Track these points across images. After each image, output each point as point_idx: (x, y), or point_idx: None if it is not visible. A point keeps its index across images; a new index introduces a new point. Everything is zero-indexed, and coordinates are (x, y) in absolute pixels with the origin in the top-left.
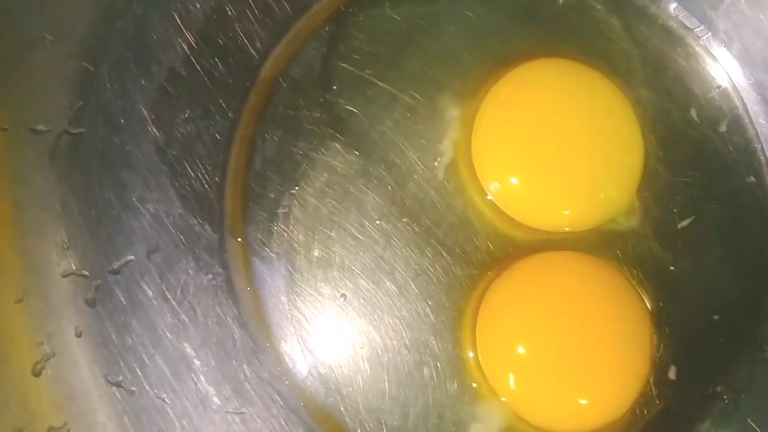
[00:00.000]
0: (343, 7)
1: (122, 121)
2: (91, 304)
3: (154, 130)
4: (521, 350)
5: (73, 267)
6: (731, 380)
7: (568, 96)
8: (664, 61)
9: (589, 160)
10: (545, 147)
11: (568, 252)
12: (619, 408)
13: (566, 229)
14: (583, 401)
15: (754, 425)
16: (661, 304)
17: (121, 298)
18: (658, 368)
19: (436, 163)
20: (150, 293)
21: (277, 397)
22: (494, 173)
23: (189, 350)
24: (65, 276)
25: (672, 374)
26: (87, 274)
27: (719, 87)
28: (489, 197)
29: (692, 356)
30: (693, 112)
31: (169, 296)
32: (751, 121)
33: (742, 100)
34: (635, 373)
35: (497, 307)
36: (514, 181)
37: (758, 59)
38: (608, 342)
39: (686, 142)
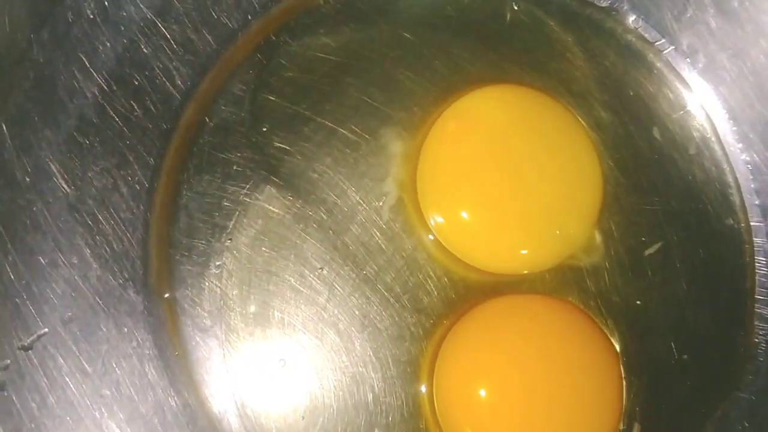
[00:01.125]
0: (273, 37)
1: (27, 179)
2: (1, 387)
3: (65, 186)
4: (485, 406)
5: None
6: (706, 423)
7: (519, 126)
8: (624, 79)
9: (544, 195)
10: (495, 183)
11: (527, 295)
12: None
13: (523, 271)
14: None
15: None
16: (628, 343)
17: (34, 378)
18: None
19: (380, 203)
20: (67, 368)
21: None
22: (441, 213)
23: (114, 427)
24: None
25: None
26: None
27: (684, 106)
28: (431, 237)
29: (661, 400)
30: (656, 133)
31: (89, 370)
32: (719, 140)
33: (710, 118)
34: (606, 422)
35: (455, 360)
36: (462, 221)
37: (725, 74)
38: (577, 391)
39: (650, 167)
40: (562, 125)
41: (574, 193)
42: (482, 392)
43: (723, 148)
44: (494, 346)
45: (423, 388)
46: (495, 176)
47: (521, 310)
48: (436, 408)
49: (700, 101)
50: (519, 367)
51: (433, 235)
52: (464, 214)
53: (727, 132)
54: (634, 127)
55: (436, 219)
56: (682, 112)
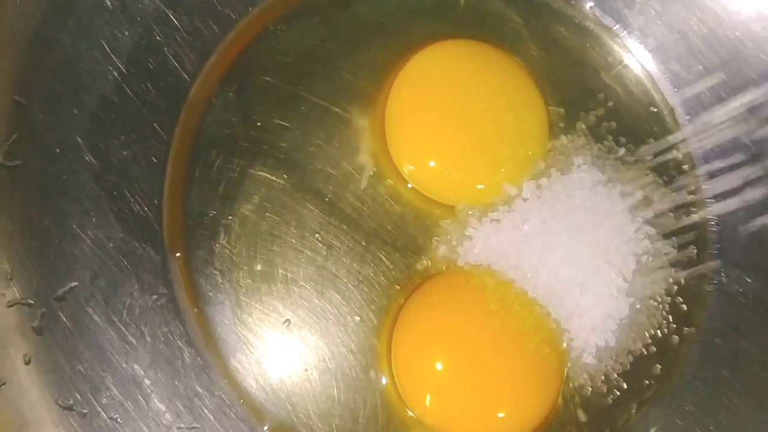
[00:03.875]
0: (271, 26)
1: (57, 150)
2: (38, 331)
3: (90, 158)
4: (437, 370)
5: (18, 296)
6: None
7: (469, 74)
8: (584, 60)
9: (498, 129)
10: (455, 122)
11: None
12: (535, 419)
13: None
14: (501, 414)
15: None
16: None
17: (68, 324)
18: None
19: (371, 173)
20: (96, 317)
21: (229, 411)
22: (409, 158)
23: (138, 370)
24: (10, 305)
25: (582, 417)
26: (32, 302)
27: (638, 82)
28: (410, 185)
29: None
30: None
31: (115, 319)
32: (670, 111)
33: (661, 93)
34: (549, 380)
35: (407, 330)
36: (430, 165)
37: (673, 53)
38: (522, 350)
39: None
40: (505, 69)
41: (523, 124)
42: (437, 358)
43: (673, 115)
44: (446, 315)
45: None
46: (453, 116)
47: (464, 282)
48: (395, 376)
49: (652, 78)
50: (469, 333)
51: (419, 196)
52: (429, 155)
53: (676, 104)
54: (593, 102)
55: (404, 164)
56: (636, 86)
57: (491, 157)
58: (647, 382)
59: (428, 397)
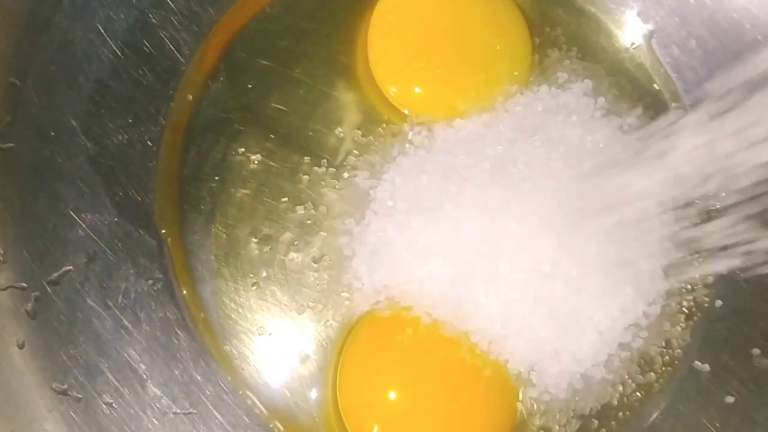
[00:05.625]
0: (267, 8)
1: (52, 133)
2: (32, 315)
3: (85, 141)
4: (386, 400)
5: (11, 280)
6: None
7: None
8: (585, 44)
9: (477, 45)
10: (434, 39)
11: None
12: None
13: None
14: None
15: None
16: None
17: (62, 308)
18: None
19: (369, 157)
20: (91, 302)
21: (225, 397)
22: (392, 78)
23: (134, 355)
24: (4, 289)
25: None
26: (25, 285)
27: (638, 66)
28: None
29: None
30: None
31: (110, 303)
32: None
33: (662, 77)
34: (501, 408)
35: (354, 363)
36: (409, 78)
37: (674, 37)
38: (472, 382)
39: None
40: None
41: (504, 43)
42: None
43: (674, 99)
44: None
45: None
46: (432, 37)
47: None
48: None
49: (653, 61)
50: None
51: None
52: (411, 76)
53: (677, 89)
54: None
55: (392, 90)
56: (637, 70)
57: (470, 73)
58: (649, 368)
59: (375, 428)
